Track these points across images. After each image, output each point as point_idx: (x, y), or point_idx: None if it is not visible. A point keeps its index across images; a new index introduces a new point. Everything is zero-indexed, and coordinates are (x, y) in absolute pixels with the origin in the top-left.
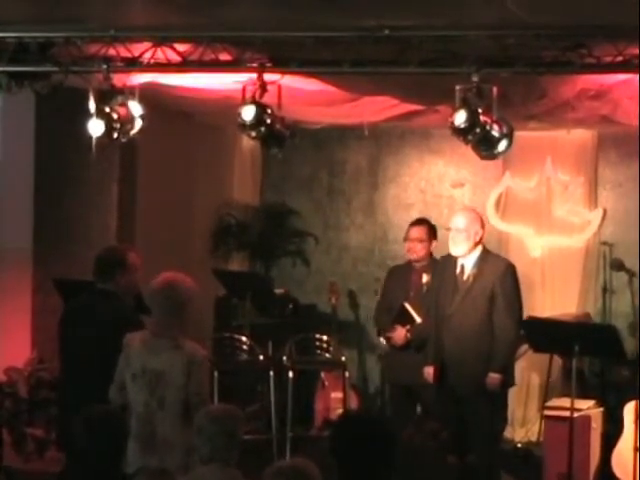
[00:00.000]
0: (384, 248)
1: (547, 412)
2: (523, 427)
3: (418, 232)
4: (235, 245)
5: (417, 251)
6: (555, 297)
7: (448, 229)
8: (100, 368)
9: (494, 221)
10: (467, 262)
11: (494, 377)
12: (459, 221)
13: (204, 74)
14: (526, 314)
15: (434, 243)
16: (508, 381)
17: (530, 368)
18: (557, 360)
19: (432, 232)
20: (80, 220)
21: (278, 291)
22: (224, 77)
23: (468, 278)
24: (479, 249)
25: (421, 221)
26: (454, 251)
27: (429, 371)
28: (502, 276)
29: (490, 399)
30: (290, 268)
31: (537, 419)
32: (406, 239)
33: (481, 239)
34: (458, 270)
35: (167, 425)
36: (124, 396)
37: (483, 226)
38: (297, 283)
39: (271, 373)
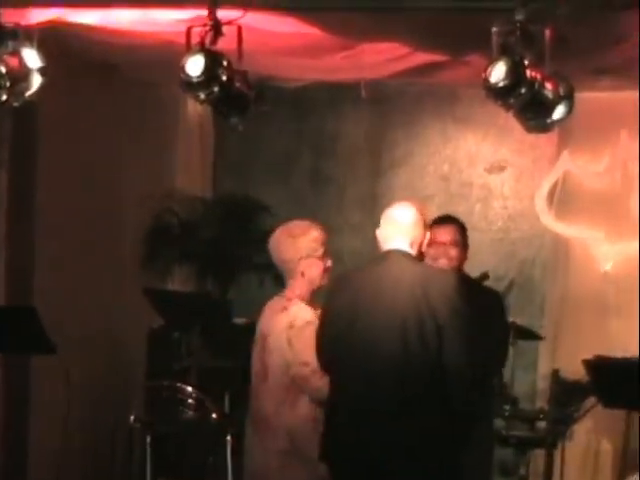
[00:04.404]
0: None
1: None
2: None
3: (450, 233)
4: (177, 254)
5: (452, 258)
6: (635, 328)
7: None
8: None
9: (547, 220)
10: None
11: None
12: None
13: (133, 10)
14: (594, 351)
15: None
16: None
17: (599, 431)
18: (637, 419)
19: (466, 234)
20: None
21: (239, 321)
22: (161, 14)
23: None
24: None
25: (449, 219)
26: None
27: None
28: None
29: None
30: (256, 288)
31: None
32: (432, 242)
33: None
34: None
35: (270, 400)
36: None
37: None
38: None
39: (228, 438)
